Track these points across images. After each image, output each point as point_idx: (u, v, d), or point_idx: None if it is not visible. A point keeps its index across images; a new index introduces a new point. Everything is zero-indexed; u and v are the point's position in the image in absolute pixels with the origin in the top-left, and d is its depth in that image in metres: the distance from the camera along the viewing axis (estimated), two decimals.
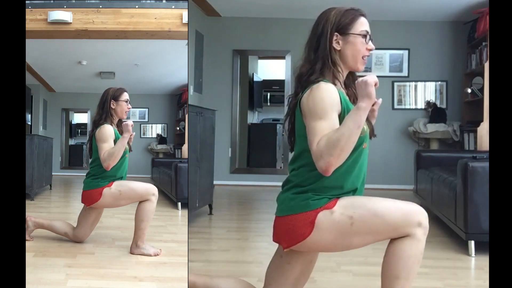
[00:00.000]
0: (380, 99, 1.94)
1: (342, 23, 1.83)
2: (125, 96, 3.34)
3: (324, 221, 1.74)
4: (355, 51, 1.82)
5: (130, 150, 3.40)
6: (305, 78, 1.82)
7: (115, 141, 3.24)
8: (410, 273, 1.74)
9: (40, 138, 6.50)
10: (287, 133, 1.94)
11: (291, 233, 1.78)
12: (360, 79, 1.68)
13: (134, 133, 3.37)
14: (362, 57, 1.84)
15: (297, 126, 1.83)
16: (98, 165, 3.23)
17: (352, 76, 1.91)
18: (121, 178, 3.31)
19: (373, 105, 1.93)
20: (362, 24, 1.86)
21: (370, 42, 1.84)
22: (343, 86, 1.87)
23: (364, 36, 1.83)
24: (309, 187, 1.77)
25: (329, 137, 1.66)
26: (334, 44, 1.83)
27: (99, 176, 3.25)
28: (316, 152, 1.67)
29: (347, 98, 1.83)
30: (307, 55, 1.85)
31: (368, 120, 1.86)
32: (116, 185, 3.25)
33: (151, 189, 3.21)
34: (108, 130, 3.24)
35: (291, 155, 1.93)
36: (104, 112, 3.31)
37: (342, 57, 1.84)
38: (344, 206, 1.75)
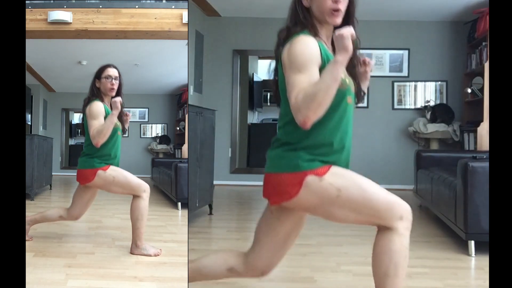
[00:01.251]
0: (373, 61, 1.94)
1: None
2: (107, 72, 3.27)
3: (311, 185, 1.74)
4: (319, 5, 1.81)
5: (124, 130, 3.36)
6: (284, 34, 1.83)
7: (105, 118, 3.18)
8: (398, 269, 1.75)
9: (40, 138, 6.50)
10: (273, 91, 1.94)
11: (279, 190, 1.79)
12: (337, 31, 1.66)
13: (130, 114, 3.35)
14: (331, 11, 1.80)
15: (280, 82, 1.83)
16: (92, 143, 3.19)
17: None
18: (115, 157, 3.27)
19: (365, 66, 1.95)
20: None
21: None
22: (322, 39, 1.85)
23: None
24: (299, 145, 1.77)
25: (306, 91, 1.65)
26: (303, 1, 1.85)
27: (94, 156, 3.21)
28: (294, 106, 1.67)
29: (328, 51, 1.82)
30: (287, 16, 1.88)
31: (355, 75, 1.87)
32: (112, 170, 3.22)
33: (143, 185, 3.21)
34: (97, 107, 3.20)
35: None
36: (91, 89, 3.29)
37: (312, 13, 1.84)
38: (335, 177, 1.75)
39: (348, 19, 1.86)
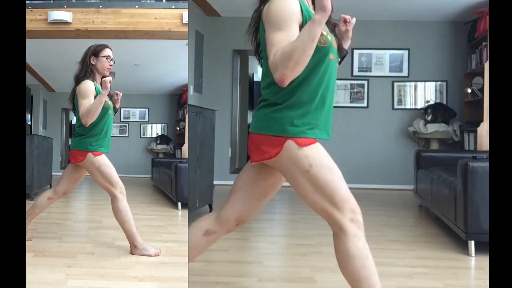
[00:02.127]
0: (354, 19, 1.93)
1: None
2: (107, 52, 3.28)
3: (289, 150, 1.77)
4: None
5: (115, 110, 3.35)
6: None
7: (95, 97, 3.17)
8: (364, 271, 1.74)
9: (40, 138, 6.50)
10: (253, 49, 1.94)
11: (260, 149, 1.82)
12: None
13: (120, 93, 3.34)
14: None
15: (262, 40, 1.83)
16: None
17: None
18: (105, 136, 3.26)
19: (346, 25, 1.94)
20: None
21: None
22: None
23: None
24: (284, 104, 1.78)
25: (284, 49, 1.65)
26: None
27: (86, 136, 3.21)
28: (272, 64, 1.68)
29: (309, 8, 1.82)
30: None
31: (335, 34, 1.86)
32: (101, 158, 3.23)
33: (121, 185, 3.22)
34: (88, 86, 3.19)
35: None
36: (84, 67, 3.26)
37: None
38: (312, 152, 1.77)
39: None
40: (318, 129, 1.81)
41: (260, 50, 1.91)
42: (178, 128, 9.73)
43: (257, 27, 1.88)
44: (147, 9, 4.68)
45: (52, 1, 4.66)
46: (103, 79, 3.11)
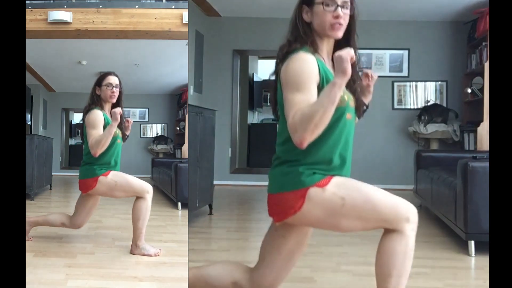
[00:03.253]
0: (377, 74, 1.93)
1: None
2: (108, 80, 3.27)
3: (315, 197, 1.75)
4: (319, 20, 1.81)
5: (124, 137, 3.36)
6: (284, 50, 1.82)
7: (104, 127, 3.19)
8: (402, 270, 1.75)
9: (40, 138, 6.50)
10: (272, 108, 1.94)
11: (282, 207, 1.79)
12: (336, 53, 1.64)
13: (131, 120, 3.34)
14: (332, 25, 1.80)
15: (279, 98, 1.83)
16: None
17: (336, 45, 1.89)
18: (115, 165, 3.28)
19: (368, 80, 1.94)
20: None
21: (338, 9, 1.79)
22: (322, 55, 1.85)
23: (327, 4, 1.79)
24: (298, 162, 1.78)
25: (303, 111, 1.65)
26: (304, 16, 1.84)
27: (94, 164, 3.22)
28: (291, 126, 1.67)
29: (327, 67, 1.82)
30: (288, 30, 1.88)
31: (355, 90, 1.86)
32: (113, 175, 3.23)
33: (146, 187, 3.20)
34: (96, 116, 3.20)
35: None
36: (91, 97, 3.29)
37: (313, 27, 1.84)
38: (337, 186, 1.75)
39: (349, 33, 1.86)
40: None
41: (277, 108, 1.89)
42: (178, 128, 9.73)
43: (276, 86, 1.86)
44: (147, 9, 4.68)
45: (52, 1, 4.66)
46: (112, 110, 3.10)
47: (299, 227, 1.90)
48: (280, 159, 1.84)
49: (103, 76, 3.31)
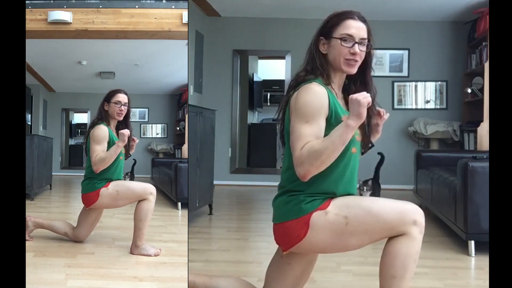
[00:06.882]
0: (388, 114, 1.92)
1: (327, 27, 1.84)
2: (117, 97, 3.29)
3: (318, 222, 1.75)
4: (335, 54, 1.82)
5: (127, 155, 3.38)
6: (300, 79, 1.83)
7: (109, 143, 3.23)
8: (406, 272, 1.75)
9: (40, 138, 6.50)
10: (279, 132, 1.94)
11: (287, 236, 1.80)
12: (354, 96, 1.65)
13: (137, 140, 3.37)
14: (347, 60, 1.81)
15: (287, 124, 1.83)
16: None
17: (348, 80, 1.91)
18: (117, 180, 3.31)
19: (379, 118, 1.92)
20: (345, 28, 1.81)
21: (355, 46, 1.80)
22: (334, 88, 1.86)
23: (345, 39, 1.80)
24: (301, 193, 1.78)
25: (312, 146, 1.66)
26: (321, 48, 1.85)
27: (95, 178, 3.24)
28: (298, 158, 1.69)
29: (337, 101, 1.82)
30: (305, 59, 1.89)
31: (364, 126, 1.85)
32: (113, 185, 3.24)
33: (149, 189, 3.20)
34: (101, 131, 3.22)
35: None
36: (99, 112, 3.32)
37: (329, 60, 1.84)
38: (339, 206, 1.76)
39: (365, 69, 1.87)
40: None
41: (283, 132, 1.89)
42: (178, 128, 9.73)
43: (285, 111, 1.86)
44: (147, 9, 4.67)
45: (52, 1, 4.66)
46: (121, 131, 3.11)
47: (304, 254, 1.90)
48: (283, 188, 1.84)
49: (112, 92, 3.32)
